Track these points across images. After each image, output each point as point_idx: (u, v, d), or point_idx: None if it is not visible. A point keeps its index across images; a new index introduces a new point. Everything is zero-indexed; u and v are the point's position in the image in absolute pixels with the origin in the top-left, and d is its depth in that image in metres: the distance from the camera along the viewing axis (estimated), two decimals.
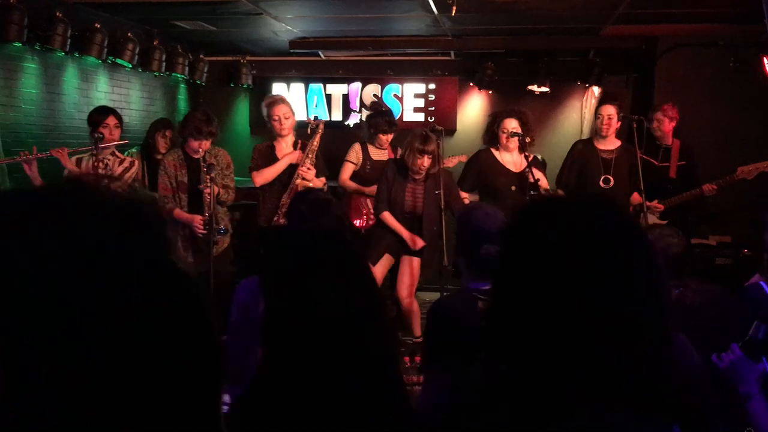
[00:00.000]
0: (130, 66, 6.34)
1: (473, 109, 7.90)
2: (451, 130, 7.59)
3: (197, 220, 4.56)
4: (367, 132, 5.65)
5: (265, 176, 4.99)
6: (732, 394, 1.99)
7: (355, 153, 5.62)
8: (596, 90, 7.43)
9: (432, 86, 7.91)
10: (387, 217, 4.91)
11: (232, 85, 8.01)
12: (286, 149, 5.09)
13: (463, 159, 6.10)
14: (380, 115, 5.72)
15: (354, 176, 5.62)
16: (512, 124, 5.01)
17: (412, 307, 5.01)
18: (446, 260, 4.59)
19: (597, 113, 5.50)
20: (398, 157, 5.18)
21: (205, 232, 4.52)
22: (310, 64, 8.03)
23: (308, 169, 5.01)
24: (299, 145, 5.11)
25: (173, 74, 7.10)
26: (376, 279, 5.21)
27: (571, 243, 1.01)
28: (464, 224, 2.72)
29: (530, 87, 7.35)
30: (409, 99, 7.93)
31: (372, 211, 5.58)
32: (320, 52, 7.73)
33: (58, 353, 0.58)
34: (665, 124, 5.44)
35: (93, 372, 0.58)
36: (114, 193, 0.67)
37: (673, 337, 1.07)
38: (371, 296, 1.46)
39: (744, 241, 5.64)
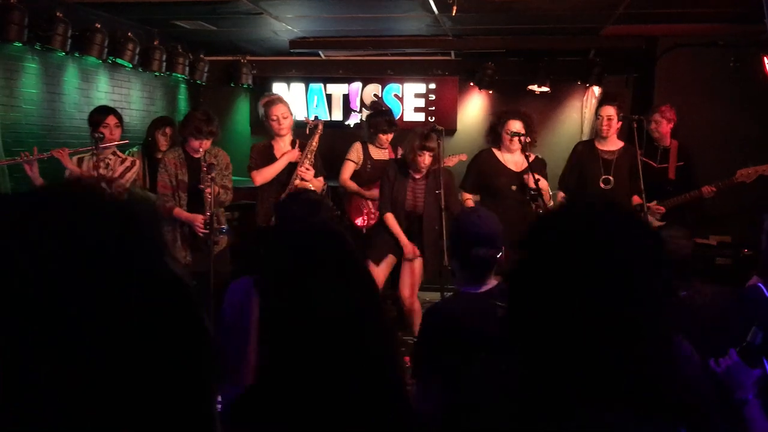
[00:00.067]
0: (131, 66, 6.34)
1: (473, 109, 7.90)
2: (451, 130, 7.59)
3: (199, 219, 4.56)
4: (367, 132, 5.65)
5: (264, 175, 4.98)
6: (730, 398, 2.00)
7: (356, 152, 5.62)
8: (596, 90, 7.43)
9: (432, 86, 7.91)
10: (389, 219, 4.93)
11: (232, 84, 8.01)
12: (284, 148, 5.09)
13: (464, 158, 6.10)
14: (380, 115, 5.72)
15: (354, 175, 5.62)
16: (516, 126, 5.02)
17: (413, 307, 5.02)
18: (446, 260, 4.59)
19: (597, 114, 5.51)
20: (399, 156, 5.19)
21: (206, 231, 4.53)
22: (311, 63, 8.03)
23: (307, 169, 5.01)
24: (297, 144, 5.11)
25: (173, 74, 7.10)
26: (378, 279, 5.22)
27: (580, 249, 1.02)
28: (457, 227, 2.74)
29: (530, 87, 7.35)
30: (409, 99, 7.93)
31: (372, 210, 5.59)
32: (320, 52, 7.73)
33: (58, 353, 0.58)
34: (663, 126, 5.45)
35: (93, 372, 0.58)
36: (112, 195, 0.68)
37: (674, 338, 1.07)
38: (371, 296, 1.46)
39: (744, 240, 5.64)
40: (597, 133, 5.48)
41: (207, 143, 4.66)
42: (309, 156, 5.07)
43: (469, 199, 5.18)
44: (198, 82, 7.60)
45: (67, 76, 6.02)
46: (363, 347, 1.37)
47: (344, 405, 1.31)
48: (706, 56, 6.56)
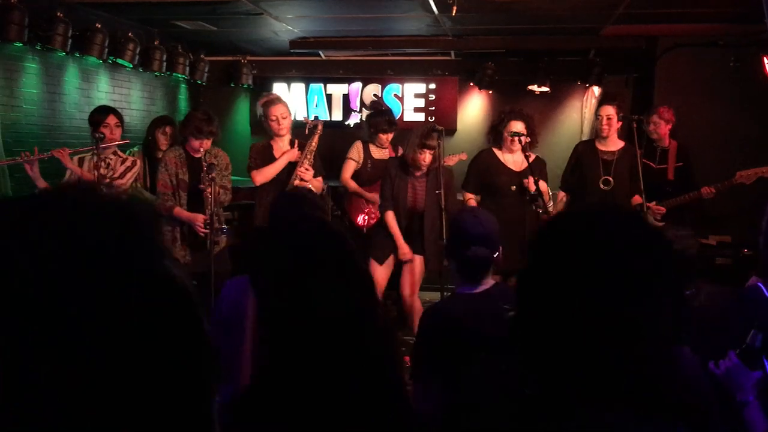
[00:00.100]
0: (131, 66, 6.35)
1: (473, 109, 7.90)
2: (451, 130, 7.59)
3: (200, 219, 4.57)
4: (368, 131, 5.66)
5: (265, 175, 4.98)
6: (730, 400, 2.00)
7: (357, 150, 5.63)
8: (596, 90, 7.43)
9: (432, 86, 7.91)
10: (389, 218, 4.94)
11: (232, 85, 8.01)
12: (283, 148, 5.09)
13: (464, 157, 6.11)
14: (380, 115, 5.73)
15: (355, 175, 5.63)
16: (518, 126, 5.03)
17: (414, 306, 5.02)
18: (447, 260, 4.59)
19: (597, 114, 5.51)
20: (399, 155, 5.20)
21: (207, 231, 4.53)
22: (311, 64, 8.04)
23: (306, 169, 5.00)
24: (296, 144, 5.11)
25: (174, 74, 7.10)
26: (381, 278, 5.22)
27: (584, 251, 1.03)
28: (453, 228, 2.74)
29: (530, 87, 7.35)
30: (409, 99, 7.93)
31: (373, 210, 5.60)
32: (321, 52, 7.73)
33: (58, 353, 0.58)
34: (661, 127, 5.45)
35: (93, 372, 0.58)
36: (112, 195, 0.68)
37: (680, 337, 1.08)
38: (371, 296, 1.46)
39: (744, 240, 5.64)
40: (597, 133, 5.48)
41: (207, 143, 4.66)
42: (308, 156, 5.07)
43: (472, 199, 5.19)
44: (198, 82, 7.60)
45: (68, 76, 6.02)
46: (363, 347, 1.37)
47: (344, 405, 1.31)
48: (706, 56, 6.56)
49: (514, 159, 5.13)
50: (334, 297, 1.36)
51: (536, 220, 4.86)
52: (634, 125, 5.04)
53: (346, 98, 8.04)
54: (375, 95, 7.86)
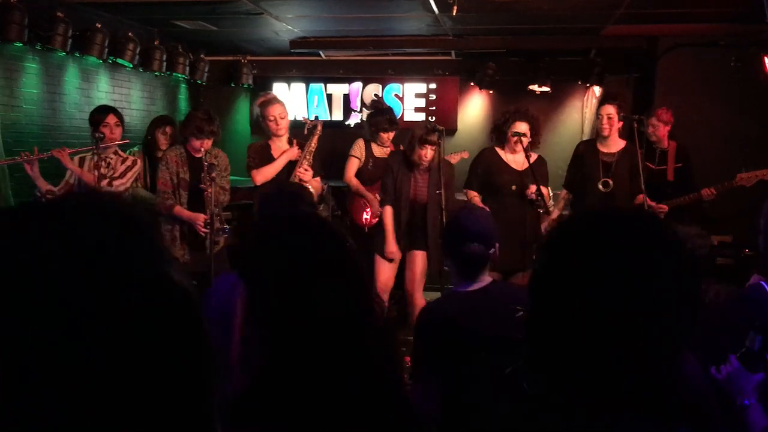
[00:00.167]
0: (131, 66, 6.35)
1: (474, 108, 7.90)
2: (452, 130, 7.59)
3: (200, 218, 4.57)
4: (369, 130, 5.66)
5: (265, 174, 4.97)
6: (732, 404, 2.00)
7: (359, 148, 5.64)
8: (597, 90, 7.43)
9: (433, 86, 7.92)
10: (386, 213, 4.96)
11: (232, 84, 8.01)
12: (281, 148, 5.08)
13: (465, 155, 6.12)
14: (381, 114, 5.73)
15: (357, 173, 5.63)
16: (522, 127, 5.03)
17: (417, 303, 5.02)
18: (443, 257, 4.60)
19: (597, 113, 5.50)
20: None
21: (207, 231, 4.53)
22: (311, 63, 8.04)
23: (305, 170, 5.00)
24: (295, 144, 5.11)
25: (174, 74, 7.10)
26: (388, 275, 5.20)
27: (587, 253, 1.03)
28: (450, 224, 2.74)
29: (531, 87, 7.35)
30: (409, 99, 7.93)
31: (374, 208, 5.60)
32: (321, 52, 7.73)
33: (58, 353, 0.58)
34: (660, 129, 5.44)
35: (93, 372, 0.58)
36: (112, 197, 0.68)
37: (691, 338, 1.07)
38: (371, 296, 1.46)
39: (745, 240, 5.63)
40: (598, 133, 5.47)
41: (208, 143, 4.67)
42: (308, 157, 5.06)
43: (476, 197, 5.19)
44: (198, 82, 7.60)
45: (68, 76, 6.03)
46: (363, 347, 1.37)
47: (344, 405, 1.31)
48: (707, 56, 6.56)
49: (515, 158, 5.13)
50: (333, 297, 1.36)
51: (537, 220, 4.86)
52: (635, 125, 5.04)
53: (346, 98, 8.04)
54: (375, 95, 7.85)
